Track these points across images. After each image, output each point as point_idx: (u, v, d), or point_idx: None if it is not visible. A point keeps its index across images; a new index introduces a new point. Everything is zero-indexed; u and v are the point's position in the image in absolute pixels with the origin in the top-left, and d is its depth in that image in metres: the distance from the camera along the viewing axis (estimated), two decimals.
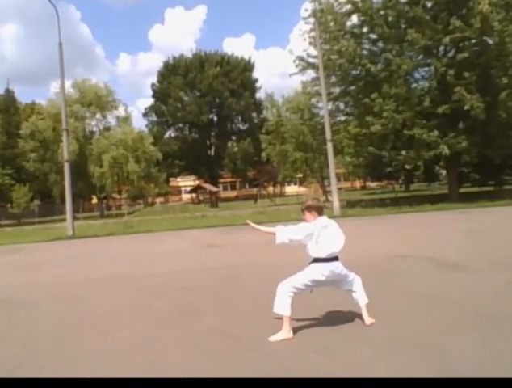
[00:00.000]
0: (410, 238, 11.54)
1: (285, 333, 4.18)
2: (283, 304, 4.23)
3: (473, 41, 21.15)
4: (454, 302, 5.12)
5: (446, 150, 20.95)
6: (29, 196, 41.00)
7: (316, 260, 4.26)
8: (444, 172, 35.88)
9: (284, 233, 4.36)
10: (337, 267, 4.29)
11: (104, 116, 44.84)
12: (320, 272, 4.25)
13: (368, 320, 4.45)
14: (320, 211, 4.45)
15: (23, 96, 73.43)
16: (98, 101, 42.72)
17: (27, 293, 7.57)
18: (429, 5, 22.56)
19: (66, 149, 21.87)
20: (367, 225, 16.08)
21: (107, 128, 44.64)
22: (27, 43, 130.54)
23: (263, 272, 7.92)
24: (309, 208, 4.44)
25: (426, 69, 24.38)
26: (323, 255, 4.22)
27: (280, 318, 4.32)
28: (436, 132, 21.06)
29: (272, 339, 4.14)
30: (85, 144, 41.07)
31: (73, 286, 7.91)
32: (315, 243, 4.23)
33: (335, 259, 4.29)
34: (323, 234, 4.25)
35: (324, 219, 4.37)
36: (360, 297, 4.56)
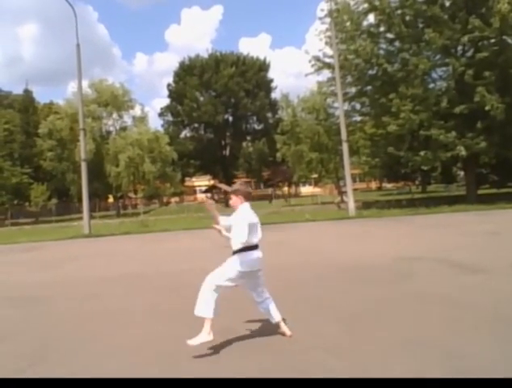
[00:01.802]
0: (426, 239, 11.40)
1: (205, 335, 4.00)
2: (205, 306, 4.02)
3: (492, 41, 20.82)
4: (469, 305, 5.03)
5: (463, 152, 20.67)
6: (47, 194, 41.59)
7: (247, 249, 4.10)
8: (462, 173, 35.37)
9: (243, 237, 4.03)
10: (261, 254, 4.24)
11: (120, 116, 45.17)
12: (250, 260, 4.12)
13: (288, 331, 4.33)
14: (247, 196, 4.37)
15: (41, 96, 74.98)
16: (114, 101, 43.06)
17: (44, 290, 7.67)
18: (447, 4, 22.26)
19: (83, 149, 22.12)
20: (382, 226, 15.94)
21: (124, 128, 44.97)
22: (45, 43, 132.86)
23: (277, 273, 7.89)
24: (236, 192, 4.34)
25: (444, 69, 24.09)
26: (255, 241, 4.15)
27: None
28: (454, 133, 20.78)
29: (191, 342, 3.94)
30: (101, 143, 41.47)
31: (88, 284, 7.99)
32: (253, 232, 4.11)
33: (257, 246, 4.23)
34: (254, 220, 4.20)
35: (249, 205, 4.32)
36: (274, 314, 4.40)
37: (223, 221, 4.36)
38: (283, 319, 4.41)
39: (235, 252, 4.15)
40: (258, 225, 4.26)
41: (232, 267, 4.11)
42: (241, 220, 4.11)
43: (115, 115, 44.71)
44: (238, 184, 4.53)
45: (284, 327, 4.36)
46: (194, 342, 3.95)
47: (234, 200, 4.35)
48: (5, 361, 4.19)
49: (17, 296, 7.28)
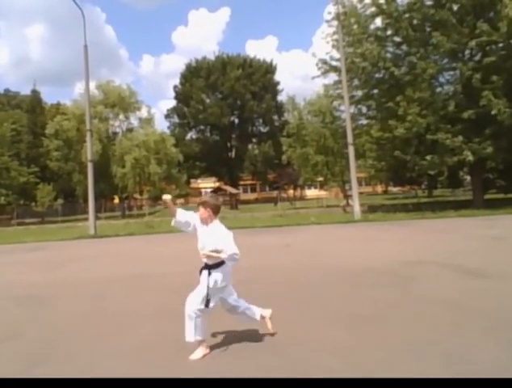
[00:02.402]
0: (432, 243, 11.33)
1: (203, 349, 4.04)
2: (194, 331, 3.99)
3: (500, 45, 20.72)
4: (474, 309, 5.00)
5: (470, 157, 20.56)
6: (53, 194, 41.78)
7: (223, 262, 4.04)
8: (469, 178, 35.17)
9: (236, 251, 3.99)
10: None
11: (127, 117, 45.37)
12: (227, 272, 4.11)
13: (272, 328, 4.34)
14: (215, 209, 4.15)
15: (48, 97, 75.28)
16: (121, 102, 43.26)
17: (49, 289, 7.70)
18: (455, 8, 22.18)
19: (90, 150, 22.22)
20: (388, 230, 15.88)
21: (130, 130, 45.16)
22: (52, 44, 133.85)
23: (280, 274, 7.89)
24: (204, 204, 4.12)
25: (451, 73, 23.96)
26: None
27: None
28: (460, 138, 20.67)
29: (193, 357, 3.95)
30: (108, 144, 41.66)
31: (93, 284, 8.01)
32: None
33: None
34: None
35: (218, 222, 4.15)
36: (255, 310, 4.38)
37: (179, 213, 4.30)
38: (263, 317, 4.40)
39: (212, 266, 4.05)
40: None
41: (212, 286, 4.02)
42: (225, 235, 4.03)
43: (121, 117, 44.94)
44: (207, 196, 4.31)
45: (269, 323, 4.39)
46: (195, 356, 3.97)
47: (202, 211, 4.12)
48: (8, 360, 4.21)
49: (23, 295, 7.31)
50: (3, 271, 10.74)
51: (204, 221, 4.15)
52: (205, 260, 4.09)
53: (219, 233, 4.06)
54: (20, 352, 4.42)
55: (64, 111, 43.58)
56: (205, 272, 4.08)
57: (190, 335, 4.01)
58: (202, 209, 4.12)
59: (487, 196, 26.44)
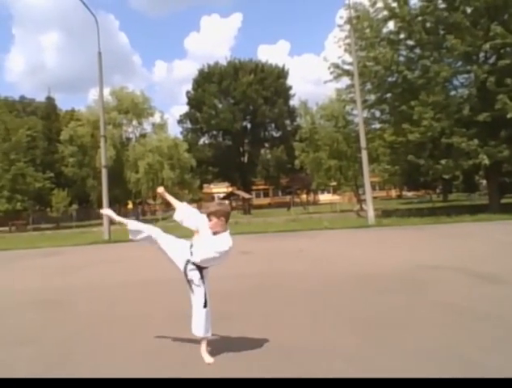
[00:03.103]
0: (447, 248, 11.19)
1: (207, 351, 4.07)
2: (205, 326, 4.04)
3: None
4: (490, 315, 4.92)
5: (486, 160, 20.28)
6: (68, 200, 42.19)
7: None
8: (484, 182, 34.76)
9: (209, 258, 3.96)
10: None
11: (140, 123, 45.71)
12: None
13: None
14: (227, 217, 4.00)
15: (62, 103, 76.19)
16: (134, 108, 43.62)
17: (65, 294, 7.75)
18: (468, 10, 21.97)
19: (104, 155, 22.43)
20: (402, 234, 15.73)
21: (143, 135, 45.48)
22: (67, 52, 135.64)
23: (293, 279, 7.86)
24: (217, 213, 3.90)
25: (466, 76, 23.73)
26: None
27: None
28: (476, 141, 20.43)
29: (209, 361, 3.92)
30: (121, 150, 42.00)
31: (108, 289, 8.05)
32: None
33: None
34: None
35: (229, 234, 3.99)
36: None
37: (182, 209, 4.31)
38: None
39: (203, 268, 4.07)
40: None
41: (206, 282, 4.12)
42: (221, 246, 3.91)
43: (135, 123, 45.28)
44: (217, 204, 4.11)
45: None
46: (210, 360, 3.94)
47: (215, 222, 3.90)
48: (25, 363, 4.24)
49: (39, 300, 7.37)
50: (19, 276, 10.87)
51: (216, 231, 3.95)
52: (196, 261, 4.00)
53: (218, 241, 3.93)
54: (36, 356, 4.45)
55: (78, 118, 44.07)
56: (197, 272, 4.04)
57: (200, 330, 4.05)
58: (214, 219, 3.90)
59: (503, 201, 26.07)
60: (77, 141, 41.85)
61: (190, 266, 4.02)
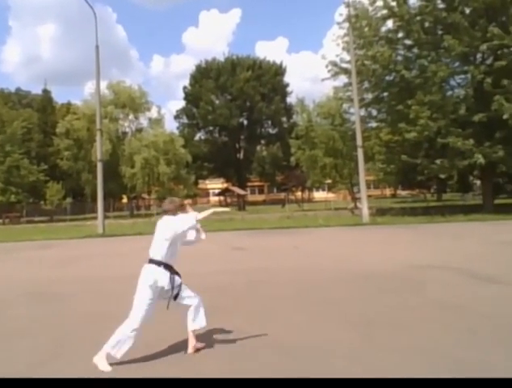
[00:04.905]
0: (441, 248, 11.25)
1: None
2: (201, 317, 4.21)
3: None
4: (486, 315, 4.95)
5: (481, 160, 20.36)
6: (62, 193, 42.02)
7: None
8: (478, 182, 34.92)
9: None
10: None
11: (137, 118, 45.48)
12: None
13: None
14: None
15: (58, 96, 75.38)
16: (131, 103, 43.41)
17: (58, 287, 7.74)
18: (467, 11, 22.04)
19: (99, 149, 22.33)
20: (396, 233, 15.78)
21: (139, 130, 45.29)
22: (63, 44, 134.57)
23: (289, 276, 7.87)
24: (181, 204, 4.54)
25: (462, 76, 23.83)
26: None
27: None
28: (471, 141, 20.50)
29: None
30: (117, 144, 41.80)
31: (102, 282, 8.04)
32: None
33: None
34: None
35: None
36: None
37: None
38: None
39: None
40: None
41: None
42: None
43: (131, 117, 45.04)
44: (169, 202, 4.60)
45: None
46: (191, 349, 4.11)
47: (187, 209, 4.58)
48: (16, 357, 4.22)
49: (32, 292, 7.35)
50: (13, 268, 10.82)
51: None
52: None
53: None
54: (29, 349, 4.44)
55: (74, 111, 43.80)
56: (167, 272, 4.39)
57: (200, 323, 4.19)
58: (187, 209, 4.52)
59: (497, 201, 26.21)
60: (73, 135, 41.59)
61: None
